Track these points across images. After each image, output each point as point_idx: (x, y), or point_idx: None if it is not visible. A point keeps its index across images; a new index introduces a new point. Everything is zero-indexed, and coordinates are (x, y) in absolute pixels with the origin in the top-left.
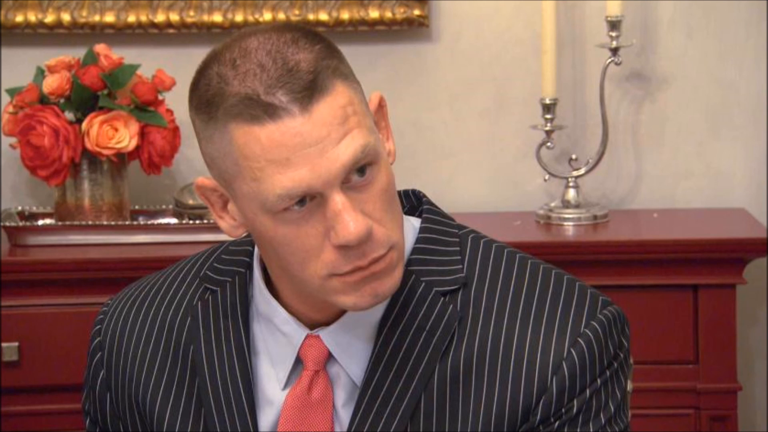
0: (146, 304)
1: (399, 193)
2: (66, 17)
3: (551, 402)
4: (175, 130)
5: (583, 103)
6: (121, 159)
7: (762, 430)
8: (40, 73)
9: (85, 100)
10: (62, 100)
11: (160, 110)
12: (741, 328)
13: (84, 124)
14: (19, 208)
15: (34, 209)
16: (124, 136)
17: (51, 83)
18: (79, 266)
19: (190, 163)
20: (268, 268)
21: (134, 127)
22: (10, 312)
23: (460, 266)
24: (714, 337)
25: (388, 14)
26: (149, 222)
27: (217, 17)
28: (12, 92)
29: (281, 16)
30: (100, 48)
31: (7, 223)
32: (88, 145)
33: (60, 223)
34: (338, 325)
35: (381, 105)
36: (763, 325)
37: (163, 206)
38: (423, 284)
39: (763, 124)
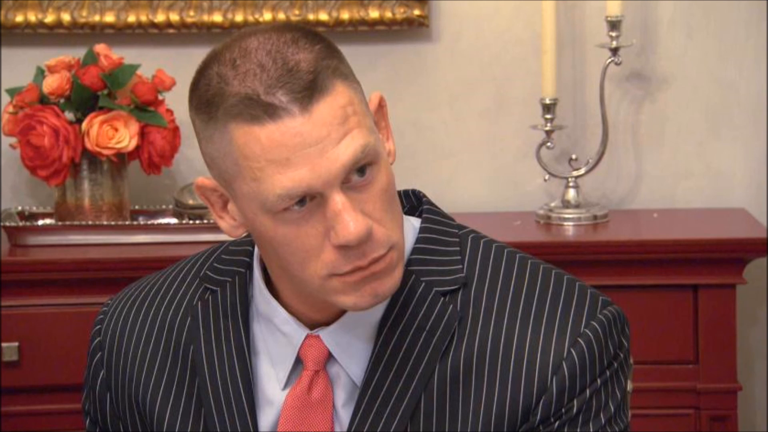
0: (146, 304)
1: (399, 193)
2: (66, 17)
3: (551, 402)
4: (175, 130)
5: (583, 103)
6: (121, 159)
7: (762, 430)
8: (40, 73)
9: (85, 100)
10: (62, 100)
11: (160, 110)
12: (741, 328)
13: (84, 124)
14: (19, 208)
15: (34, 209)
16: (124, 136)
17: (51, 83)
18: (79, 266)
19: (190, 163)
20: (268, 268)
21: (134, 127)
22: (10, 312)
23: (460, 266)
24: (714, 337)
25: (388, 14)
26: (149, 222)
27: (217, 17)
28: (12, 92)
29: (281, 16)
30: (100, 48)
31: (7, 223)
32: (88, 145)
33: (60, 223)
34: (338, 325)
35: (381, 105)
36: (763, 325)
37: (163, 206)
38: (423, 284)
39: (763, 124)
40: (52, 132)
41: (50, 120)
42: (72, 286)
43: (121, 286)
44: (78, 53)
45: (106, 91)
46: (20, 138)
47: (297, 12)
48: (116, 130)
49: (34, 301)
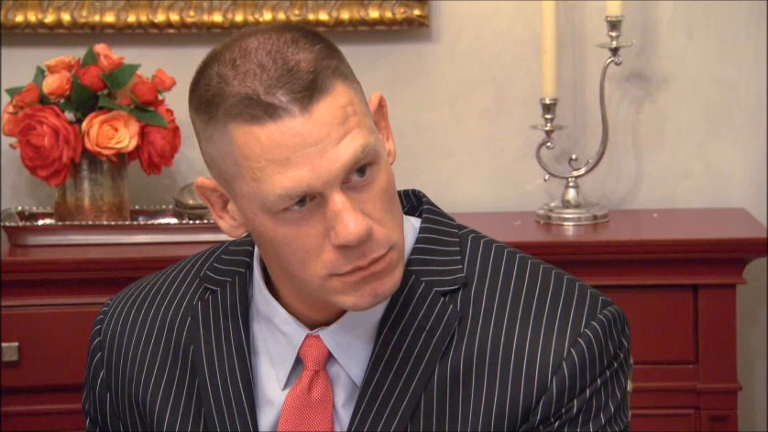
0: (146, 304)
1: (399, 193)
2: (66, 17)
3: (551, 402)
4: (175, 130)
5: (583, 103)
6: (121, 159)
7: (762, 430)
8: (40, 73)
9: (85, 100)
10: (62, 100)
11: (160, 110)
12: (741, 328)
13: (84, 124)
14: (19, 208)
15: (34, 209)
16: (124, 136)
17: (51, 83)
18: (79, 266)
19: (190, 163)
20: (268, 268)
21: (134, 127)
22: (10, 312)
23: (460, 266)
24: (714, 337)
25: (388, 14)
26: (149, 222)
27: (217, 17)
28: (12, 92)
29: (281, 16)
30: (100, 48)
31: (7, 223)
32: (88, 145)
33: (60, 223)
34: (338, 325)
35: (381, 105)
36: (763, 325)
37: (163, 206)
38: (423, 284)
39: (763, 124)
40: (52, 132)
41: (50, 120)
42: (72, 286)
43: (121, 286)
44: (78, 53)
45: (106, 91)
46: (20, 138)
47: (297, 12)
48: (116, 130)
49: (34, 301)
